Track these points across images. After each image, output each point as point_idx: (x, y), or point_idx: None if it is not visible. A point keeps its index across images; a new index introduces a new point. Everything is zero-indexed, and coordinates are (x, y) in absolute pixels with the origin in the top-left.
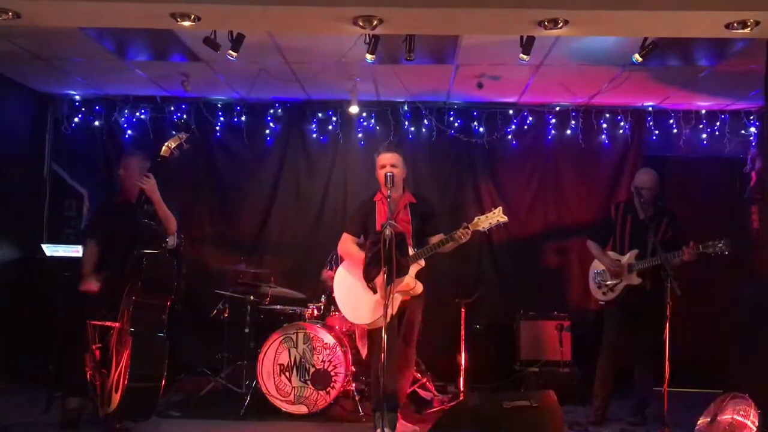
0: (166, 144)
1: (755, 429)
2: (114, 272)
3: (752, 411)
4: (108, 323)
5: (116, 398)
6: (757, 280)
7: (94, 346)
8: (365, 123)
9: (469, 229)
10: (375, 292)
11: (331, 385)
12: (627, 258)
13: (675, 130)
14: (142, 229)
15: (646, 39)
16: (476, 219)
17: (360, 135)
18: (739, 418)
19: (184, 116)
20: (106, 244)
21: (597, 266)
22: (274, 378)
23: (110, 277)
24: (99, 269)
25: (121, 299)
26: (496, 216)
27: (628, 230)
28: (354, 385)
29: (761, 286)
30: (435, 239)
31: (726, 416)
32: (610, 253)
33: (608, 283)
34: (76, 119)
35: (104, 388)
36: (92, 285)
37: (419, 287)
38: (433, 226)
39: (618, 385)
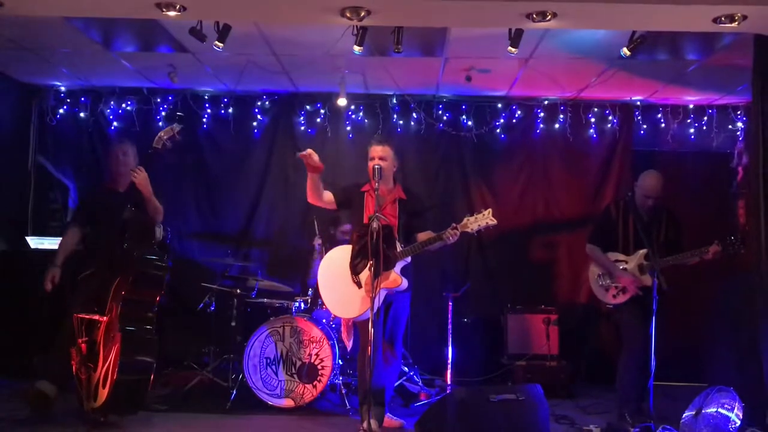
0: (158, 135)
1: (739, 422)
2: (102, 264)
3: (736, 404)
4: (96, 317)
5: (104, 394)
6: (743, 274)
7: (80, 340)
8: (354, 116)
9: (457, 230)
10: (360, 286)
11: (318, 378)
12: (636, 259)
13: (663, 125)
14: (132, 223)
15: (634, 33)
16: (465, 220)
17: (348, 128)
18: (724, 412)
19: (174, 107)
20: (92, 233)
21: (599, 269)
22: (260, 371)
23: (99, 269)
24: (84, 262)
25: (108, 292)
26: (485, 218)
27: (631, 230)
28: (341, 378)
29: (747, 280)
30: (423, 236)
31: (711, 409)
32: (611, 254)
33: (619, 285)
34: (61, 111)
35: (90, 382)
36: (52, 281)
37: (404, 282)
38: (422, 222)
39: (607, 380)
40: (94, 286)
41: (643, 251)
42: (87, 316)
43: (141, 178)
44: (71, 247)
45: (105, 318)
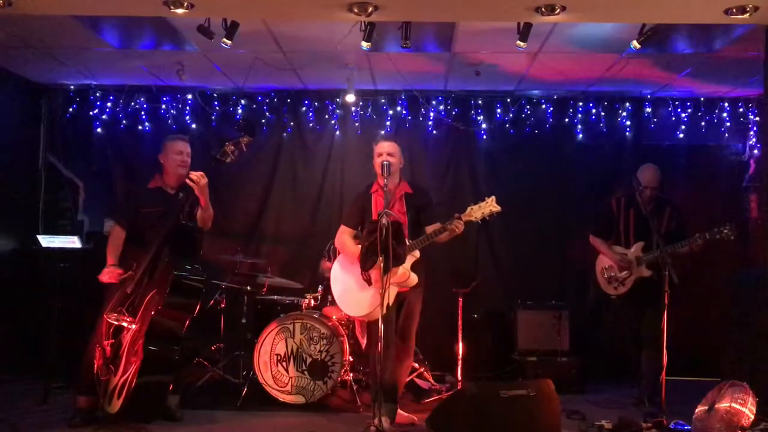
0: (224, 147)
1: (753, 417)
2: (140, 269)
3: (750, 399)
4: (126, 321)
5: (117, 404)
6: (755, 268)
7: (106, 342)
8: (362, 112)
9: (461, 219)
10: (370, 284)
11: (329, 375)
12: (633, 251)
13: (673, 118)
14: (181, 233)
15: (644, 25)
16: (469, 209)
17: (357, 124)
18: (737, 406)
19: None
20: (133, 234)
21: (604, 262)
22: (271, 368)
23: (136, 274)
24: (126, 263)
25: (142, 301)
26: (489, 206)
27: (632, 224)
28: (352, 375)
29: (759, 274)
30: (431, 229)
31: (724, 404)
32: (616, 248)
33: (619, 277)
34: (71, 110)
35: (108, 385)
36: (110, 276)
37: (414, 278)
38: (430, 216)
39: (620, 373)
40: (128, 293)
41: (640, 244)
42: (116, 322)
43: (203, 185)
44: (120, 248)
45: (135, 327)
